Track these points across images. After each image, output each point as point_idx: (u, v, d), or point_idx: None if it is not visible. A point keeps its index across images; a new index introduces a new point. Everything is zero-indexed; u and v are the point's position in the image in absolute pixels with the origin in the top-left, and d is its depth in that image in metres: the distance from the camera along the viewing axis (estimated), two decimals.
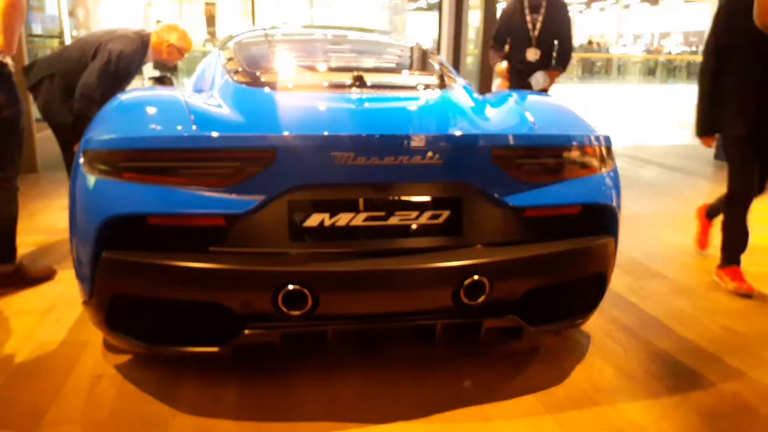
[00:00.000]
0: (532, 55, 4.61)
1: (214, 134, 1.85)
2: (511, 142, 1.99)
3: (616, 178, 2.24)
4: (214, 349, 1.90)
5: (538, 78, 4.62)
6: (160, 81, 3.72)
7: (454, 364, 2.31)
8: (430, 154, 1.86)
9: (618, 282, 3.18)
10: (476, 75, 8.16)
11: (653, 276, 3.35)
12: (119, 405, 2.01)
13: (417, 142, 1.84)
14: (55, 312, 2.70)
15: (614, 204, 2.19)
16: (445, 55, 8.19)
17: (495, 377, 2.23)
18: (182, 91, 2.48)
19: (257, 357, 2.27)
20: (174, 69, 4.24)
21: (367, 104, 2.13)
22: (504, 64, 4.75)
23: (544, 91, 4.62)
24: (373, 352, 2.37)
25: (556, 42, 4.69)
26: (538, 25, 4.58)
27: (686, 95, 15.13)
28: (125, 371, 2.21)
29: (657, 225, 4.35)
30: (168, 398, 2.05)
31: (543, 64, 4.66)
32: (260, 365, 2.25)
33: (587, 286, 2.22)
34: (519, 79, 4.70)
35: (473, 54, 8.72)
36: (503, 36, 4.84)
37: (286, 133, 1.85)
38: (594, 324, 2.69)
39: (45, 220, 4.12)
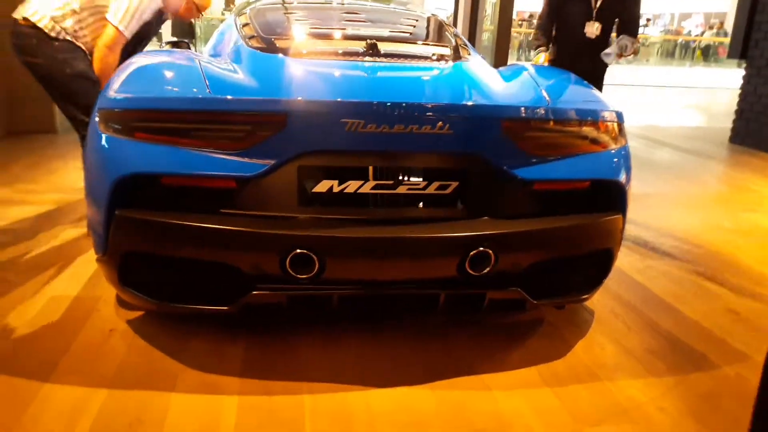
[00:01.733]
0: (592, 29, 3.95)
1: (227, 97, 1.87)
2: (522, 114, 1.99)
3: (627, 156, 2.23)
4: (223, 308, 1.94)
5: (622, 43, 3.95)
6: (177, 46, 3.72)
7: (456, 334, 2.34)
8: (440, 123, 1.86)
9: (624, 260, 3.20)
10: (492, 51, 8.06)
11: (660, 256, 3.35)
12: (129, 359, 2.07)
13: (427, 111, 1.85)
14: (71, 268, 2.76)
15: (623, 181, 2.19)
16: (461, 31, 8.10)
17: (496, 348, 2.26)
18: (199, 55, 2.49)
19: (265, 318, 2.32)
20: (192, 35, 4.20)
21: (379, 72, 2.13)
22: (542, 58, 4.07)
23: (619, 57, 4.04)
24: (378, 321, 2.40)
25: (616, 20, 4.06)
26: None
27: (704, 78, 14.93)
28: (136, 326, 2.27)
29: (668, 205, 4.34)
30: (177, 354, 2.10)
31: (602, 42, 4.04)
32: (269, 327, 2.30)
33: (593, 262, 2.23)
34: (573, 62, 3.77)
35: (489, 30, 8.61)
36: (553, 12, 4.14)
37: (297, 98, 1.86)
38: (598, 300, 2.71)
39: (63, 179, 4.18)
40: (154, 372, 2.00)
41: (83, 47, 3.07)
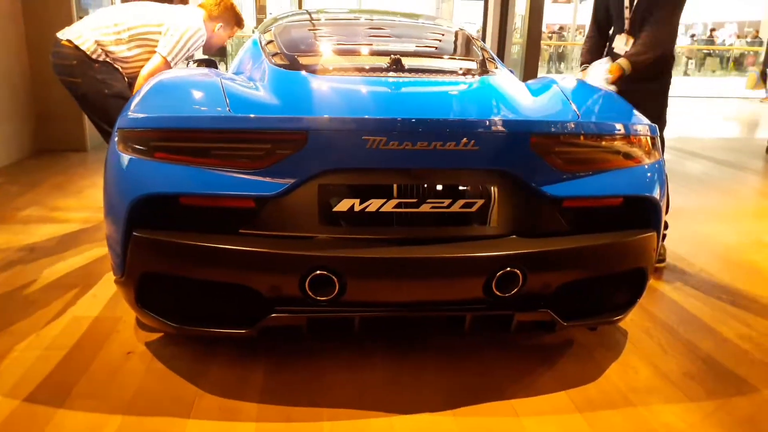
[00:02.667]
0: (621, 44, 3.21)
1: (247, 115, 1.83)
2: (551, 129, 1.91)
3: (661, 171, 2.14)
4: (242, 331, 1.89)
5: (597, 68, 3.06)
6: (205, 64, 3.73)
7: (483, 355, 2.26)
8: (464, 140, 1.80)
9: (659, 277, 3.08)
10: (521, 64, 7.99)
11: (697, 272, 3.22)
12: (146, 383, 2.03)
13: (451, 127, 1.79)
14: (94, 288, 2.75)
15: (657, 197, 2.09)
16: (490, 44, 8.05)
17: (525, 371, 2.17)
18: (221, 73, 2.47)
19: (285, 340, 2.26)
20: (223, 54, 4.23)
21: (402, 88, 2.08)
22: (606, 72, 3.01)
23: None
24: (403, 341, 2.33)
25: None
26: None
27: (738, 87, 14.59)
28: (155, 349, 2.24)
29: (703, 219, 4.19)
30: (196, 378, 2.06)
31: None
32: (290, 348, 2.24)
33: (626, 282, 2.13)
34: (627, 81, 3.03)
35: (518, 43, 8.54)
36: (601, 14, 3.37)
37: (317, 116, 1.81)
38: (632, 321, 2.60)
39: (92, 198, 4.22)
40: (171, 397, 1.95)
41: (121, 70, 3.16)
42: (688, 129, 9.08)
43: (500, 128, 1.84)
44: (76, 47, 3.10)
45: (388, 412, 1.92)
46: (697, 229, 3.94)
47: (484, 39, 8.28)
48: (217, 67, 3.69)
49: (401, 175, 1.86)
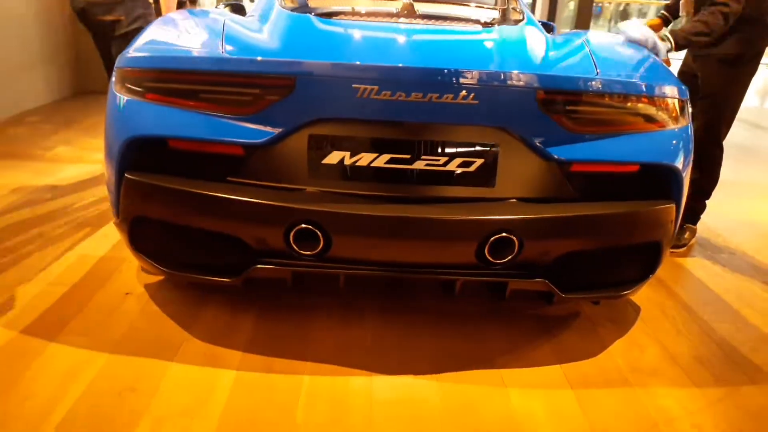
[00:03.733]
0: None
1: (233, 57, 1.76)
2: (560, 85, 1.77)
3: (686, 138, 1.97)
4: (226, 280, 1.87)
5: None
6: (235, 9, 3.65)
7: (479, 322, 2.18)
8: (463, 93, 1.68)
9: (689, 253, 2.91)
10: (572, 20, 7.61)
11: (730, 251, 3.02)
12: (137, 324, 2.04)
13: (447, 77, 1.67)
14: (104, 228, 2.78)
15: (680, 166, 1.93)
16: (541, 4, 7.69)
17: (521, 341, 2.09)
18: (229, 15, 2.40)
19: (278, 291, 2.24)
20: None
21: (406, 35, 1.96)
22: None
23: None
24: (395, 300, 2.28)
25: None
26: None
27: None
28: (153, 291, 2.25)
29: (751, 194, 3.93)
30: (186, 322, 2.06)
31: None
32: (282, 299, 2.22)
33: (636, 256, 1.99)
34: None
35: None
36: None
37: (305, 60, 1.72)
38: (648, 296, 2.46)
39: None
40: (159, 339, 1.96)
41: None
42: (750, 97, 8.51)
43: (502, 82, 1.71)
44: None
45: (370, 371, 1.88)
46: (741, 204, 3.69)
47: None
48: (243, 11, 3.62)
49: (394, 128, 1.76)
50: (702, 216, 3.07)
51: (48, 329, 1.97)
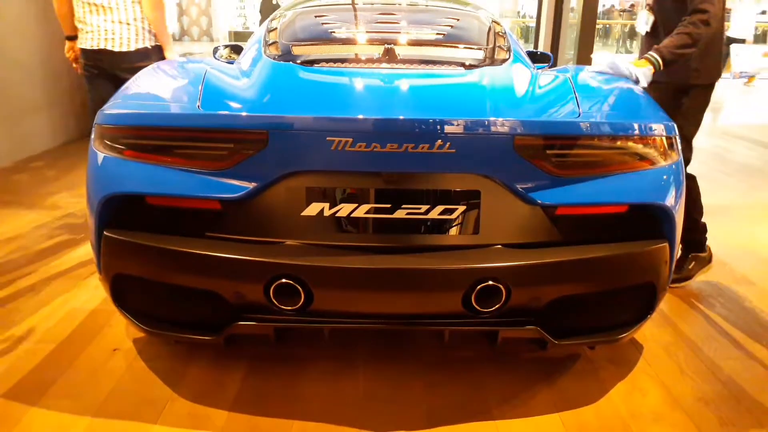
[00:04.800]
0: (642, 21, 2.78)
1: (207, 113, 1.74)
2: (539, 130, 1.73)
3: (678, 174, 1.91)
4: (207, 337, 1.83)
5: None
6: (234, 50, 3.67)
7: (474, 370, 2.11)
8: (439, 141, 1.64)
9: (692, 285, 2.82)
10: (575, 46, 7.59)
11: (737, 281, 2.93)
12: (123, 383, 2.00)
13: (421, 127, 1.63)
14: (96, 278, 2.76)
15: (671, 204, 1.87)
16: (545, 27, 7.70)
17: (518, 388, 2.02)
18: (213, 64, 2.39)
19: (266, 345, 2.19)
20: None
21: (380, 83, 1.93)
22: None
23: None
24: (387, 346, 2.22)
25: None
26: None
27: None
28: (141, 346, 2.21)
29: (753, 218, 3.83)
30: (173, 380, 2.02)
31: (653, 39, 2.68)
32: (270, 353, 2.17)
33: (631, 298, 1.93)
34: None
35: (575, 24, 8.11)
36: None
37: (278, 114, 1.70)
38: (651, 334, 2.38)
39: None
40: (144, 400, 1.92)
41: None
42: (752, 115, 8.41)
43: (478, 129, 1.67)
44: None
45: (362, 428, 1.82)
46: (746, 229, 3.60)
47: (538, 22, 7.92)
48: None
49: (373, 179, 1.72)
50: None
51: (30, 393, 1.94)
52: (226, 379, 2.03)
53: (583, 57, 7.20)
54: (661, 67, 2.39)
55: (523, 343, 2.13)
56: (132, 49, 3.17)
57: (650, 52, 2.42)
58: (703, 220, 2.84)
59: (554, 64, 4.06)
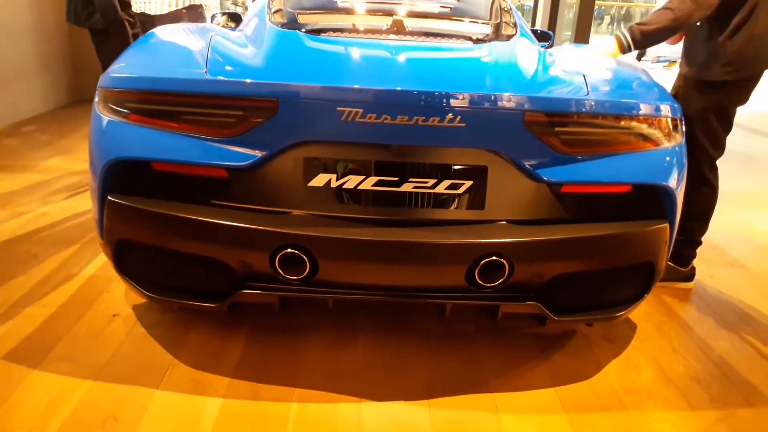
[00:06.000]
0: None
1: (216, 79, 1.72)
2: (548, 106, 1.73)
3: (680, 156, 1.93)
4: (211, 305, 1.83)
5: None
6: (232, 18, 3.62)
7: (472, 343, 2.14)
8: (449, 116, 1.64)
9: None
10: (573, 26, 7.55)
11: (729, 264, 2.98)
12: (124, 348, 2.01)
13: (433, 100, 1.63)
14: (94, 244, 2.75)
15: (673, 185, 1.89)
16: (543, 5, 7.63)
17: (515, 363, 2.05)
18: (218, 30, 2.36)
19: (266, 313, 2.20)
20: None
21: (393, 54, 1.92)
22: None
23: None
24: (388, 319, 2.24)
25: None
26: None
27: None
28: (140, 313, 2.21)
29: (748, 204, 3.88)
30: (173, 346, 2.03)
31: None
32: (271, 321, 2.18)
33: (630, 277, 1.96)
34: None
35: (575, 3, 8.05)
36: None
37: (288, 83, 1.68)
38: (644, 313, 2.42)
39: None
40: (145, 364, 1.93)
41: None
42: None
43: (489, 104, 1.67)
44: None
45: (360, 397, 1.84)
46: (741, 216, 3.65)
47: (536, 1, 7.85)
48: (240, 19, 3.58)
49: (381, 151, 1.72)
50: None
51: (30, 356, 1.94)
52: (227, 347, 2.04)
53: (581, 38, 7.18)
54: (632, 48, 2.19)
55: (522, 318, 2.16)
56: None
57: (621, 30, 2.26)
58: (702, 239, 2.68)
59: (553, 44, 4.06)
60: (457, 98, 1.64)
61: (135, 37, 3.27)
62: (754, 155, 5.28)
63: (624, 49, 2.22)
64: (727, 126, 2.50)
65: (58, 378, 1.84)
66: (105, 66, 3.61)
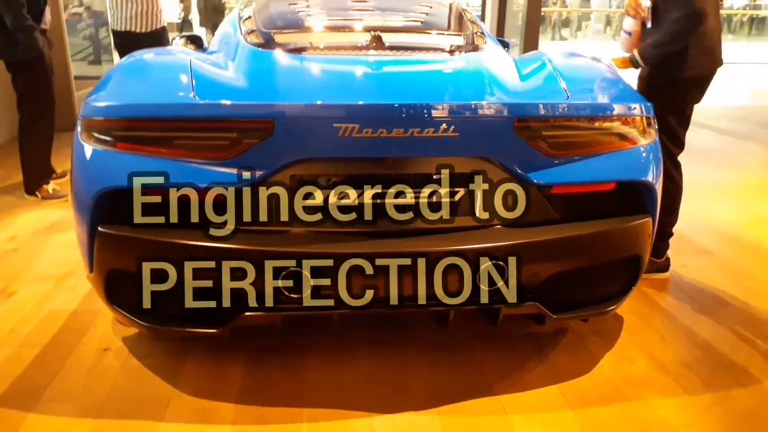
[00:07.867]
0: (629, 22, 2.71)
1: (211, 102, 1.72)
2: (537, 112, 1.79)
3: (656, 152, 2.02)
4: (213, 330, 1.81)
5: None
6: (191, 40, 3.59)
7: (471, 349, 2.17)
8: (443, 126, 1.68)
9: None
10: (521, 33, 7.74)
11: (698, 252, 3.11)
12: (120, 382, 1.95)
13: (428, 112, 1.66)
14: (73, 278, 2.66)
15: (652, 180, 1.97)
16: (490, 12, 7.81)
17: (515, 365, 2.09)
18: (194, 52, 2.35)
19: (264, 334, 2.18)
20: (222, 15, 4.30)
21: (379, 69, 1.95)
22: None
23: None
24: (386, 334, 2.25)
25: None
26: None
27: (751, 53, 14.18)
28: (132, 344, 2.16)
29: (706, 195, 4.05)
30: (171, 376, 1.99)
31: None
32: (270, 343, 2.16)
33: (620, 270, 2.02)
34: None
35: (521, 10, 8.27)
36: None
37: (284, 102, 1.69)
38: (629, 306, 2.50)
39: None
40: (145, 398, 1.88)
41: None
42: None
43: (482, 113, 1.72)
44: None
45: (370, 411, 1.84)
46: (700, 205, 3.80)
47: (483, 9, 8.03)
48: (202, 44, 3.56)
49: (377, 164, 1.75)
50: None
51: (24, 398, 1.87)
52: (226, 372, 2.01)
53: (530, 45, 7.37)
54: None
55: (521, 320, 2.20)
56: None
57: (634, 54, 2.53)
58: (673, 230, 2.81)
59: (510, 51, 4.16)
60: (451, 109, 1.68)
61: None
62: (696, 146, 5.50)
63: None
64: (685, 124, 2.65)
65: (58, 420, 1.78)
66: (23, 95, 3.57)
